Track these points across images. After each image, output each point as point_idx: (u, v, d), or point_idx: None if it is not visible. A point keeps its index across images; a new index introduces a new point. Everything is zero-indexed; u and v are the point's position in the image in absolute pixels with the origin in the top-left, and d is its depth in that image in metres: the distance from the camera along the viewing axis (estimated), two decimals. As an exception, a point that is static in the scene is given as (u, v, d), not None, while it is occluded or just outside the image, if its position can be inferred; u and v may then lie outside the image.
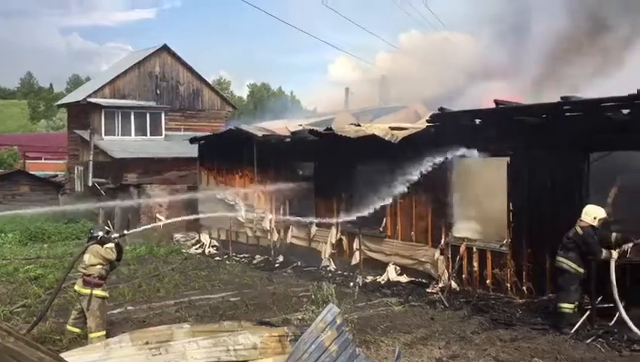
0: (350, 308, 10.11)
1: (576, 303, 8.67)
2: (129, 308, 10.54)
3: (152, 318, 9.77)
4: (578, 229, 8.70)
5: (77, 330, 8.42)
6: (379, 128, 12.67)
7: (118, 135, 26.58)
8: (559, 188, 9.77)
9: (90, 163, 24.93)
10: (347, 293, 11.37)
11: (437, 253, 11.76)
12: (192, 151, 19.70)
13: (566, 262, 8.71)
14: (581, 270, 8.64)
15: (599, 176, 9.54)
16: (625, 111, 9.06)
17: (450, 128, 11.34)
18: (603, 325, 8.52)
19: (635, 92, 8.44)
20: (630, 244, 8.67)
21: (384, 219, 12.98)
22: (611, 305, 8.44)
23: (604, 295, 8.60)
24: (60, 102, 36.62)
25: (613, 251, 8.56)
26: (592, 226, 8.67)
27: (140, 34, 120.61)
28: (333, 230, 14.15)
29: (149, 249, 17.00)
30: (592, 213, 8.72)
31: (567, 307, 8.65)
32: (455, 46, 21.81)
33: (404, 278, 12.38)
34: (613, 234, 8.97)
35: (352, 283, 12.35)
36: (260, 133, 16.08)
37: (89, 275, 8.28)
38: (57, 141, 39.36)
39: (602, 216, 8.72)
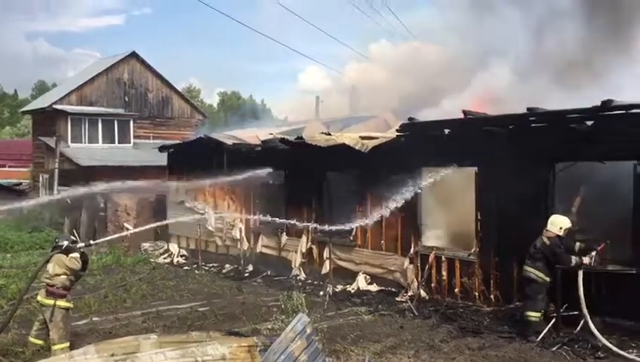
0: (320, 317, 10.10)
1: (543, 311, 8.82)
2: (95, 319, 10.33)
3: (119, 329, 9.59)
4: (545, 240, 8.83)
5: (40, 342, 8.20)
6: (349, 137, 12.73)
7: (85, 142, 26.16)
8: (526, 197, 9.91)
9: (56, 171, 24.45)
10: (317, 302, 11.35)
11: (406, 262, 11.83)
12: (162, 159, 19.49)
13: (534, 272, 8.84)
14: (548, 279, 8.78)
15: (564, 186, 9.73)
16: (589, 123, 9.29)
17: (420, 138, 11.47)
18: (568, 333, 8.68)
19: (599, 104, 8.66)
20: (593, 253, 8.83)
21: (354, 228, 13.01)
22: (576, 312, 8.60)
23: (568, 303, 8.76)
24: (24, 109, 35.94)
25: (584, 258, 8.70)
26: (558, 236, 8.82)
27: (109, 40, 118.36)
28: (304, 239, 14.12)
29: (115, 258, 16.71)
30: (558, 223, 8.86)
31: (533, 315, 8.78)
32: (426, 56, 22.04)
33: (373, 287, 12.42)
34: (577, 244, 9.17)
35: (322, 293, 12.33)
36: (230, 142, 15.99)
37: (53, 285, 8.09)
38: (22, 148, 38.50)
39: (567, 226, 8.87)
